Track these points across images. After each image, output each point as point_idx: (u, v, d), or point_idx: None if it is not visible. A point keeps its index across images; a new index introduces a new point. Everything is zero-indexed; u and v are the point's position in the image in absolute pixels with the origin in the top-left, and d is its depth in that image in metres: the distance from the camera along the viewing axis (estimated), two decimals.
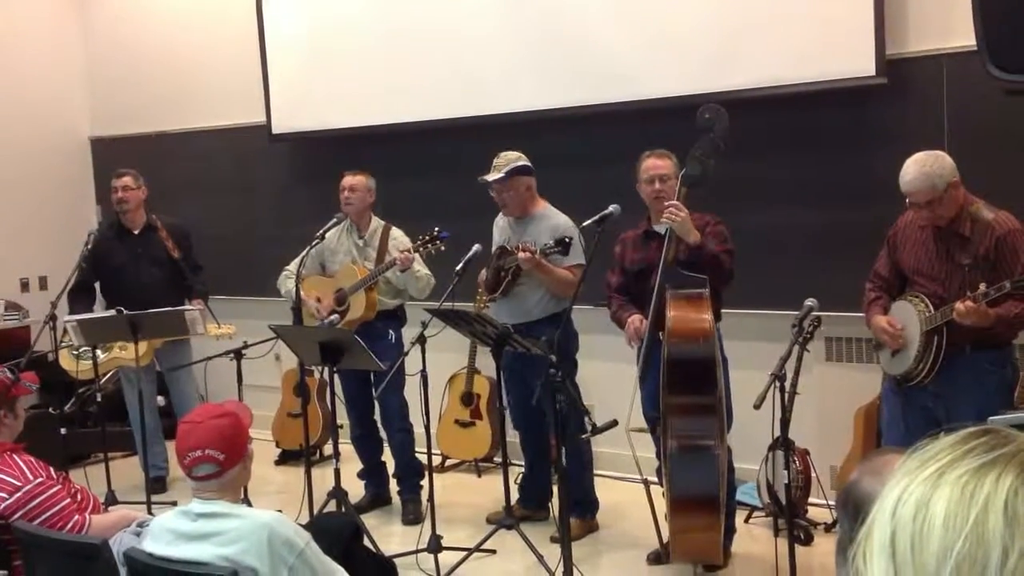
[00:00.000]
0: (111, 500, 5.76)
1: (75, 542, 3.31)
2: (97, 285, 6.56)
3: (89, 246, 6.36)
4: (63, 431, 6.09)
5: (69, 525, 3.51)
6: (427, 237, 5.45)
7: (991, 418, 3.53)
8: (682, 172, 4.63)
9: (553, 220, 5.26)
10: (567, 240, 5.02)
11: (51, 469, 3.69)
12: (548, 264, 5.10)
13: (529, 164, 5.31)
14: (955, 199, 4.00)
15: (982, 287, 3.85)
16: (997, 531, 0.85)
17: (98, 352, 6.00)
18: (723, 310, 4.78)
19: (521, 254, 5.04)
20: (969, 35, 4.16)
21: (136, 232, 6.41)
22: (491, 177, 5.26)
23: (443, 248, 5.43)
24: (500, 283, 5.29)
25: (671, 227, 4.51)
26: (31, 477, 3.56)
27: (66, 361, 6.33)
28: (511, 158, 5.29)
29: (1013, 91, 4.26)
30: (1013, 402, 4.07)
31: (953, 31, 4.93)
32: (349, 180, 5.80)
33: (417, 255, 5.51)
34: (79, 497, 3.72)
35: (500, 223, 5.54)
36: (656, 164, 4.76)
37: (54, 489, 3.57)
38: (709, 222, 4.69)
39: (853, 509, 1.93)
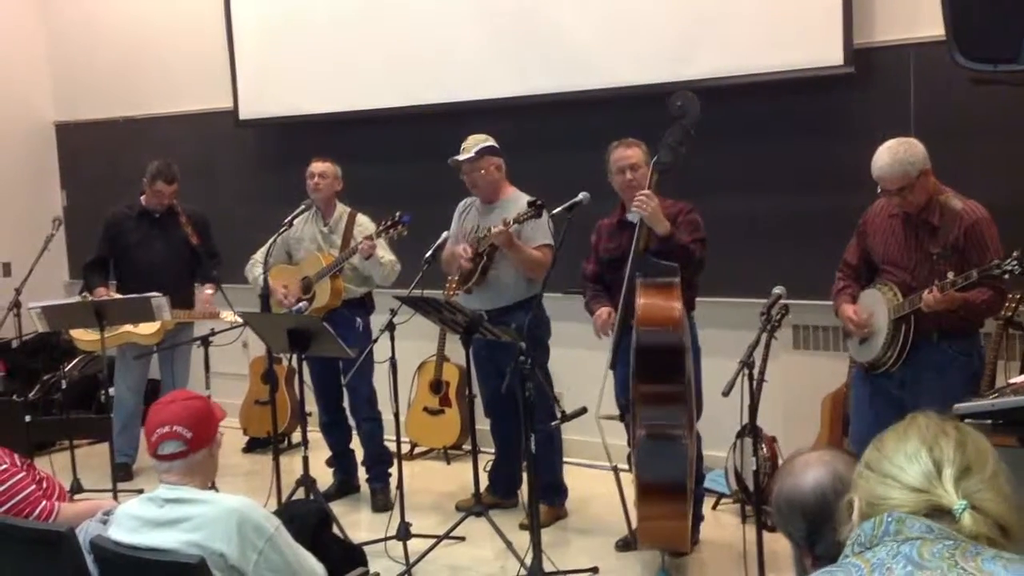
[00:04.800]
0: (77, 488, 5.72)
1: (39, 529, 3.26)
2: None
3: (54, 232, 6.35)
4: (28, 418, 6.03)
5: (36, 512, 3.46)
6: (388, 222, 5.43)
7: (956, 406, 3.55)
8: (653, 159, 4.64)
9: (522, 203, 5.24)
10: (539, 202, 4.99)
11: (16, 456, 3.63)
12: (520, 243, 5.10)
13: (496, 146, 5.32)
14: (926, 187, 4.02)
15: (950, 275, 3.88)
16: (926, 424, 1.51)
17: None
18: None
19: (495, 228, 5.04)
20: (936, 25, 4.18)
21: (157, 215, 6.36)
22: (461, 157, 5.27)
23: (405, 233, 5.41)
24: (475, 270, 5.25)
25: (641, 216, 4.52)
26: None
27: (79, 332, 6.26)
28: (479, 139, 5.31)
29: (980, 80, 4.27)
30: (979, 390, 4.09)
31: (920, 21, 4.95)
32: (319, 166, 5.76)
33: (381, 241, 5.50)
34: (44, 485, 3.67)
35: (462, 210, 5.52)
36: (625, 154, 4.76)
37: (19, 476, 3.52)
38: (682, 210, 4.70)
39: (787, 511, 1.94)
